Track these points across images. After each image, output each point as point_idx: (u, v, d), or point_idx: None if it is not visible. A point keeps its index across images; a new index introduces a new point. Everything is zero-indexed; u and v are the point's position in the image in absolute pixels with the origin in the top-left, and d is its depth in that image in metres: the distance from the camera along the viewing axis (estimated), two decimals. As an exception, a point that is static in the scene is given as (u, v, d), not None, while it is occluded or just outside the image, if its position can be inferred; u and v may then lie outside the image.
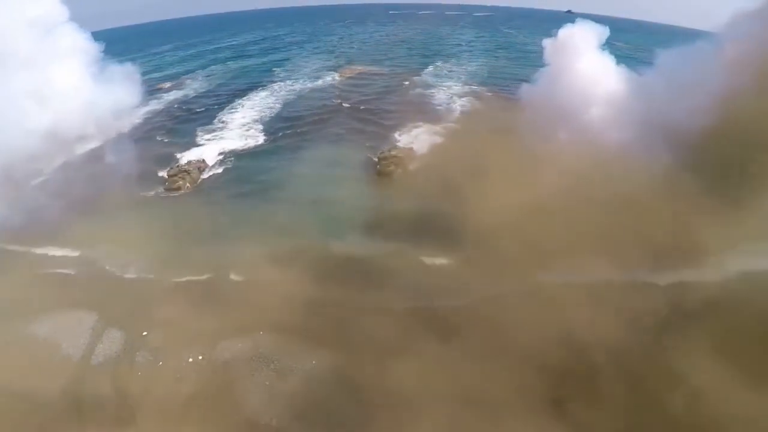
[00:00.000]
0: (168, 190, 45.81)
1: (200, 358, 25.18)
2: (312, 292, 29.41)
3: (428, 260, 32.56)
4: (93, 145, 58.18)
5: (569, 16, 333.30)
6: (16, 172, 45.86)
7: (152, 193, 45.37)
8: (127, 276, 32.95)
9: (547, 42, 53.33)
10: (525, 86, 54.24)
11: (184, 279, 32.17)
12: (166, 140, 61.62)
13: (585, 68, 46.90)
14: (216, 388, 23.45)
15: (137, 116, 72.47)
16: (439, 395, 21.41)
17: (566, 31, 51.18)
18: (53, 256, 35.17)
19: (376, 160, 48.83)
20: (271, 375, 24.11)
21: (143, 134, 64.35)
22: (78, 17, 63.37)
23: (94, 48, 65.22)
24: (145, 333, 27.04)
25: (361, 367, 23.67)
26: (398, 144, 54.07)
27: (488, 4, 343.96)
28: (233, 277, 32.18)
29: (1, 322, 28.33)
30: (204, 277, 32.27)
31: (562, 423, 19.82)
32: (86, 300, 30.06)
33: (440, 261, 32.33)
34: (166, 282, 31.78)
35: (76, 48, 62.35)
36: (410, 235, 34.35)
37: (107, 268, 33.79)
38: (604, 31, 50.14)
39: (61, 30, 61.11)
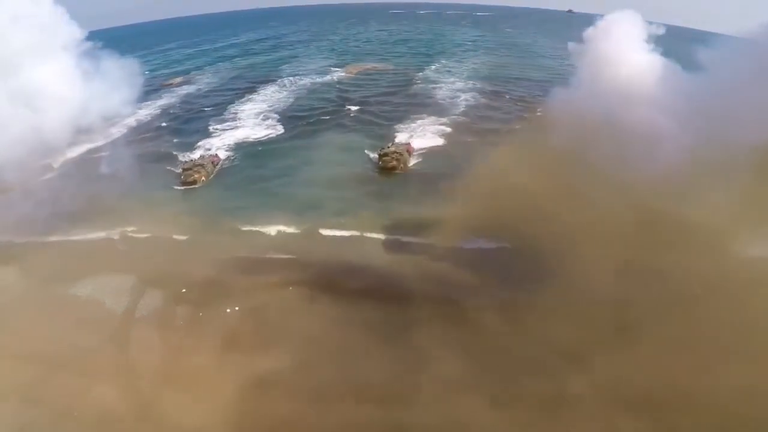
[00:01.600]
0: (184, 183, 46.36)
1: (236, 308, 28.02)
2: (329, 257, 32.70)
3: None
4: (101, 142, 60.36)
5: (570, 16, 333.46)
6: (24, 169, 47.19)
7: (169, 187, 46.53)
8: (158, 246, 35.67)
9: (573, 45, 46.92)
10: (557, 92, 47.01)
11: (218, 241, 35.49)
12: (178, 134, 63.62)
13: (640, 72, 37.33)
14: (251, 331, 26.39)
15: (148, 111, 75.45)
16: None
17: (607, 25, 42.61)
18: (89, 239, 37.42)
19: (377, 156, 49.42)
20: (300, 318, 27.30)
21: (156, 128, 66.77)
22: (79, 16, 63.65)
23: (84, 44, 63.89)
24: (184, 290, 29.77)
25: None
26: (402, 136, 56.56)
27: (489, 4, 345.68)
28: (262, 242, 35.41)
29: (43, 288, 30.99)
30: (234, 242, 35.43)
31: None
32: (124, 267, 32.76)
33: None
34: (196, 250, 34.61)
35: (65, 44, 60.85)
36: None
37: (139, 242, 36.49)
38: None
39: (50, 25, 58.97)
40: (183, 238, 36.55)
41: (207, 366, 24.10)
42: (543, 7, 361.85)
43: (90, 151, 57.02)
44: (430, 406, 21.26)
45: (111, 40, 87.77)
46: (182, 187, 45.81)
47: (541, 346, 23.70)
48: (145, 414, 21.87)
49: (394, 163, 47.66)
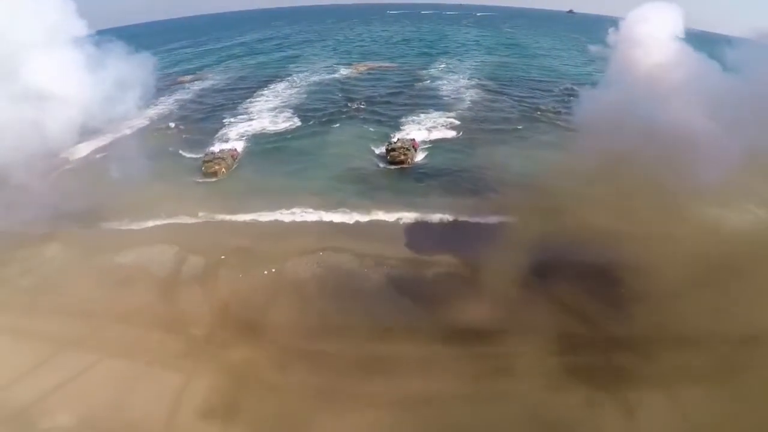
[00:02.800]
0: (205, 175, 47.29)
1: (273, 270, 31.13)
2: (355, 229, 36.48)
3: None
4: (119, 135, 62.25)
5: (571, 16, 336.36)
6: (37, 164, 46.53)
7: (189, 180, 47.37)
8: (195, 221, 38.67)
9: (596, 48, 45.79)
10: (587, 94, 44.81)
11: (248, 219, 38.39)
12: (195, 127, 65.77)
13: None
14: (284, 294, 29.33)
15: (164, 106, 78.14)
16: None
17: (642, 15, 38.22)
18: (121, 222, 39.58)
19: (385, 151, 51.03)
20: (338, 278, 30.54)
21: (173, 121, 68.86)
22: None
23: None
24: (223, 257, 32.75)
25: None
26: (410, 129, 59.53)
27: (489, 4, 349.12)
28: (290, 218, 38.41)
29: (87, 258, 33.89)
30: (264, 219, 38.33)
31: None
32: (162, 240, 35.68)
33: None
34: (232, 223, 37.86)
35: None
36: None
37: (170, 225, 38.90)
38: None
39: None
40: (212, 217, 39.16)
41: (253, 315, 27.12)
42: (543, 7, 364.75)
43: (107, 146, 58.79)
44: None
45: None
46: (203, 180, 47.07)
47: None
48: (198, 353, 24.84)
49: (402, 157, 49.07)
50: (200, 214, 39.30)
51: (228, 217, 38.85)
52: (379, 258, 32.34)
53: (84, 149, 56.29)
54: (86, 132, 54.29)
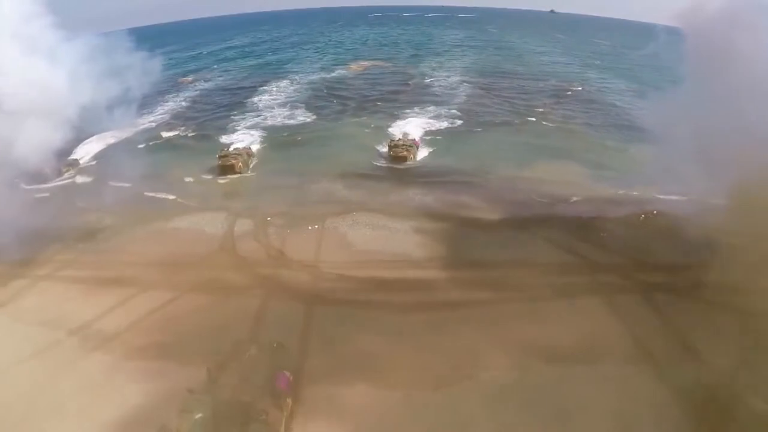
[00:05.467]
0: (222, 170, 48.36)
1: (316, 227, 36.39)
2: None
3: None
4: (130, 133, 64.62)
5: (553, 16, 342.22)
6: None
7: (208, 177, 48.97)
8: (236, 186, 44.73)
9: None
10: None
11: (282, 185, 44.47)
12: (206, 124, 69.32)
13: None
14: (331, 241, 34.76)
15: (172, 104, 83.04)
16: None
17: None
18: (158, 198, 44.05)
19: (387, 148, 52.26)
20: (367, 232, 36.06)
21: (183, 120, 72.25)
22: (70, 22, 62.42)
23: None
24: (269, 218, 37.72)
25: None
26: (410, 123, 63.54)
27: (470, 5, 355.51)
28: (320, 185, 44.19)
29: (145, 225, 38.43)
30: (299, 179, 45.31)
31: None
32: (209, 208, 40.55)
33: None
34: (271, 185, 44.36)
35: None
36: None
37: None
38: None
39: None
40: (246, 194, 44.50)
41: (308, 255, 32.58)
42: (525, 7, 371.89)
43: (117, 144, 61.12)
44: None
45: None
46: (220, 177, 48.46)
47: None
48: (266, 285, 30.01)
49: (405, 153, 50.08)
50: (228, 199, 43.95)
51: (259, 194, 43.96)
52: (404, 215, 38.15)
53: (99, 147, 59.93)
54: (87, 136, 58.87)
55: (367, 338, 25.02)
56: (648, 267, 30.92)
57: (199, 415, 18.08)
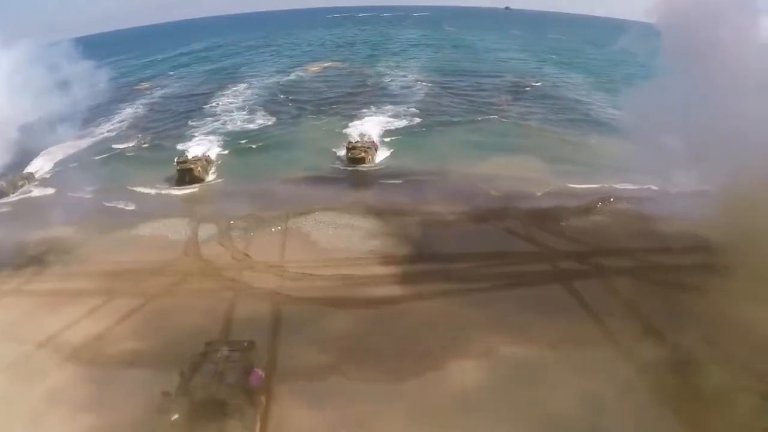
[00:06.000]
0: (182, 178, 47.91)
1: (279, 228, 37.11)
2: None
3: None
4: (85, 145, 64.29)
5: (508, 13, 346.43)
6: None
7: (168, 184, 48.73)
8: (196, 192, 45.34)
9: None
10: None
11: (243, 189, 44.90)
12: (163, 132, 68.34)
13: None
14: (295, 241, 35.45)
15: (131, 110, 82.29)
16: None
17: None
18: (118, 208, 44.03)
19: (344, 151, 52.05)
20: (330, 230, 36.85)
21: (140, 128, 71.07)
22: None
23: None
24: (232, 222, 38.19)
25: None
26: (367, 123, 64.31)
27: (425, 4, 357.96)
28: (281, 188, 45.00)
29: (109, 233, 38.45)
30: (259, 183, 45.80)
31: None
32: (172, 215, 40.84)
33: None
34: (232, 191, 44.93)
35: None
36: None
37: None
38: None
39: None
40: (207, 200, 45.06)
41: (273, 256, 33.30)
42: (479, 5, 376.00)
43: (74, 155, 60.63)
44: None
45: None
46: (180, 184, 48.14)
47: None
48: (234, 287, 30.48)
49: (363, 155, 49.93)
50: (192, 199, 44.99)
51: (223, 197, 45.14)
52: (366, 213, 39.24)
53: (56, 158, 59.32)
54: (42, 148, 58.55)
55: (335, 333, 25.78)
56: (607, 252, 32.47)
57: (176, 416, 18.49)
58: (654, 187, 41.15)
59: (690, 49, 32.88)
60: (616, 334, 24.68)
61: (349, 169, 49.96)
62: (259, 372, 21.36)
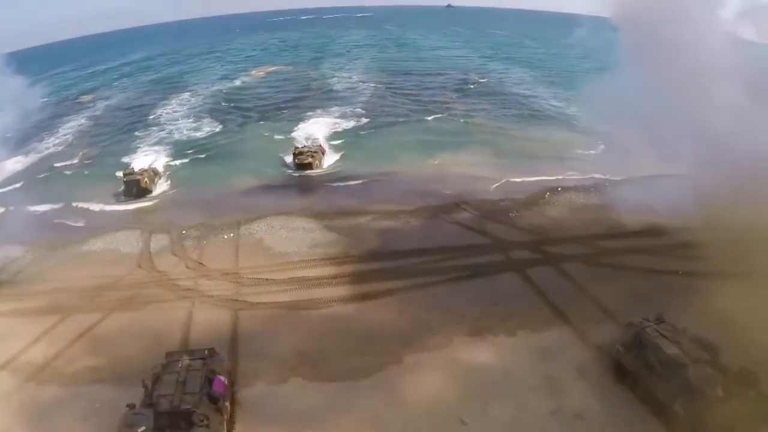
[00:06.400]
0: (129, 190, 47.44)
1: (231, 235, 37.71)
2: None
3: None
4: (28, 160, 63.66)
5: (450, 10, 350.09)
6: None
7: (116, 198, 48.49)
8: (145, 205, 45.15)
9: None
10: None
11: (192, 199, 45.63)
12: (107, 146, 67.15)
13: None
14: (248, 247, 36.08)
15: (72, 124, 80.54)
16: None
17: None
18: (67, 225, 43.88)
19: (292, 156, 51.43)
20: (282, 234, 37.53)
21: (83, 144, 69.37)
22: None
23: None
24: (183, 231, 38.55)
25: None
26: (313, 125, 65.39)
27: (367, 5, 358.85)
28: (230, 196, 45.60)
29: (58, 251, 38.28)
30: (209, 193, 46.30)
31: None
32: (124, 227, 41.02)
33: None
34: (182, 201, 45.30)
35: None
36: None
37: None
38: None
39: None
40: (157, 211, 45.23)
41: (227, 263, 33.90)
42: (420, 4, 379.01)
43: (18, 173, 59.57)
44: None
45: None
46: (128, 196, 47.87)
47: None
48: (186, 296, 30.96)
49: (310, 160, 49.45)
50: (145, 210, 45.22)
51: (174, 206, 45.46)
52: (317, 215, 40.16)
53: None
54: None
55: (294, 336, 26.43)
56: (557, 240, 34.37)
57: (142, 428, 18.93)
58: (599, 176, 43.42)
59: (645, 42, 34.93)
60: (571, 317, 26.20)
61: (298, 174, 50.21)
62: (222, 379, 21.76)
